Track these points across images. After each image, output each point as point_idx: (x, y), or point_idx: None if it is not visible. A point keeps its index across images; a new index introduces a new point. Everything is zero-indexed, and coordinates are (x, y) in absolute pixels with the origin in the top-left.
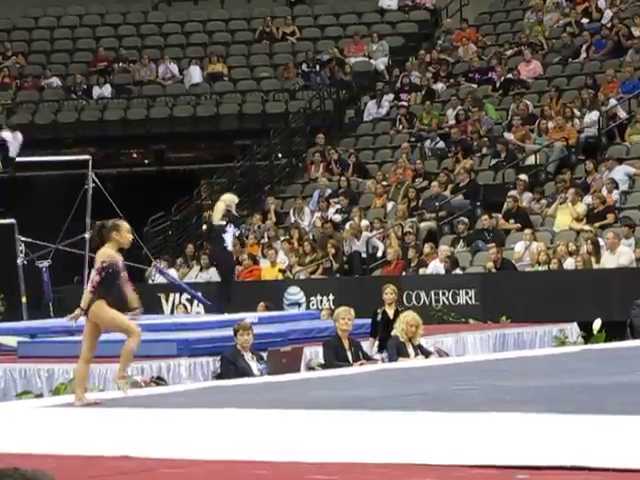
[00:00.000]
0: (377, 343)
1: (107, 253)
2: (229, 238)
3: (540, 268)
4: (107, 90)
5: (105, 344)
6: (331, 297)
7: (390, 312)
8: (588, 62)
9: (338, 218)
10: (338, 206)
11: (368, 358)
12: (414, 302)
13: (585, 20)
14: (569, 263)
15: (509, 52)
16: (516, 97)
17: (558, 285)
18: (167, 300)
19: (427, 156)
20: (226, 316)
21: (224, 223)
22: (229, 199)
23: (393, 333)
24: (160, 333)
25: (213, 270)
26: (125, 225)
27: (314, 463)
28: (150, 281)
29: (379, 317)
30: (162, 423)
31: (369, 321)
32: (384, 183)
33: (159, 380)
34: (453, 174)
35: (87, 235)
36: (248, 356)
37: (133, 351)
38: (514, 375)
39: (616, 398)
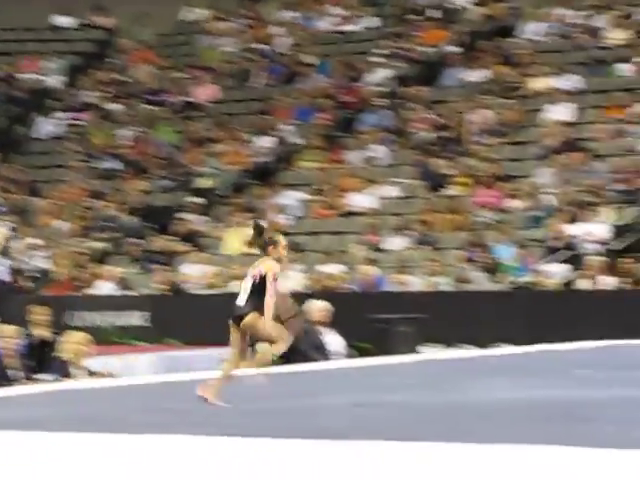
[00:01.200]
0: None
1: (274, 266)
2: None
3: (211, 291)
4: None
5: None
6: None
7: (40, 334)
8: (262, 88)
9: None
10: (9, 224)
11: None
12: (83, 323)
13: (260, 46)
14: (235, 286)
15: (185, 75)
16: (191, 120)
17: (228, 308)
18: None
19: (100, 176)
20: None
21: None
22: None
23: (60, 354)
24: None
25: None
26: (284, 241)
27: None
28: None
29: (28, 340)
30: None
31: None
32: (55, 202)
33: None
34: (126, 195)
35: None
36: None
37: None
38: (187, 398)
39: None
